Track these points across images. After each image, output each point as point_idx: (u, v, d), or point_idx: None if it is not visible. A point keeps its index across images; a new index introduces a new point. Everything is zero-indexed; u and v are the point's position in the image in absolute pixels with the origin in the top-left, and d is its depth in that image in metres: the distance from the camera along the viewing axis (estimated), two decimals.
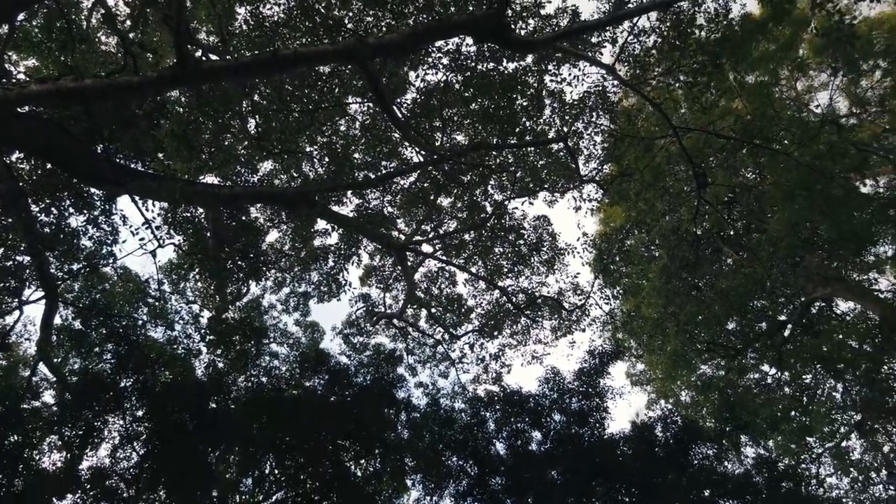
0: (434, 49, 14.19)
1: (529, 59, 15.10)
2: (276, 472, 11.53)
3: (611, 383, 17.28)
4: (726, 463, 13.99)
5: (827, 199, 17.42)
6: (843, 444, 20.08)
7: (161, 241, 12.52)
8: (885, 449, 19.05)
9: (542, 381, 14.78)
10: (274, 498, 11.41)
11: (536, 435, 14.92)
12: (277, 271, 17.92)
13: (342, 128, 16.16)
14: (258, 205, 16.31)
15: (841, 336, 19.20)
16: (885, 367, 18.21)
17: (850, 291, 18.61)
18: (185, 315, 14.21)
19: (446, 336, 19.82)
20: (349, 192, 16.28)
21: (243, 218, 14.92)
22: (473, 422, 14.19)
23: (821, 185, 17.07)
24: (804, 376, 20.49)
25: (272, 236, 20.23)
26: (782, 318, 21.59)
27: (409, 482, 12.62)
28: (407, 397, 13.74)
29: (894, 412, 17.66)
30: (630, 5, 14.54)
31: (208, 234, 14.42)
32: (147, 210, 12.89)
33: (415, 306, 19.74)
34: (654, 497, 11.86)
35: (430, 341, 20.08)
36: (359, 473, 11.95)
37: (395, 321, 19.01)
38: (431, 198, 17.14)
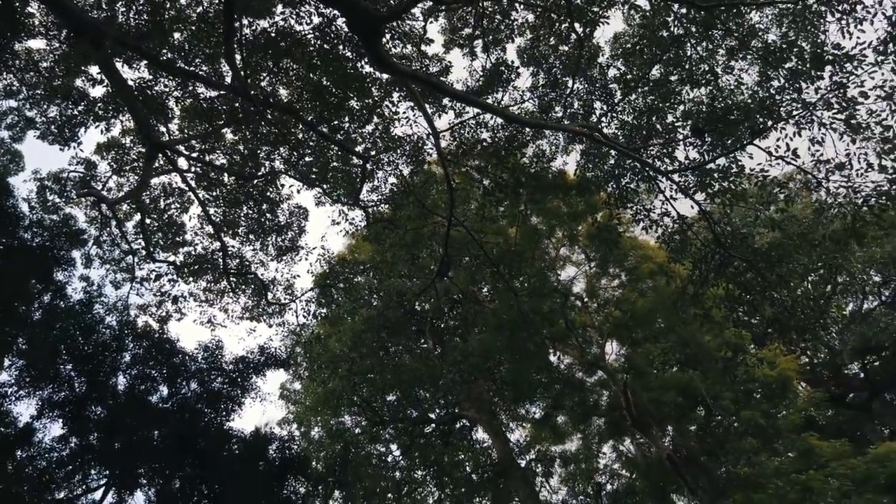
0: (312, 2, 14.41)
1: (385, 77, 15.98)
2: None
3: (261, 384, 18.03)
4: None
5: (521, 350, 20.48)
6: None
7: None
8: None
9: (202, 347, 15.03)
10: None
11: (164, 390, 15.04)
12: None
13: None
14: None
15: (461, 456, 22.19)
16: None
17: (489, 426, 21.71)
18: None
19: (143, 252, 19.12)
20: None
21: None
22: (112, 344, 13.93)
23: (524, 334, 20.05)
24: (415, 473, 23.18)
25: None
26: (432, 415, 24.34)
27: (7, 361, 11.93)
28: (64, 282, 13.10)
29: None
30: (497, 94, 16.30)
31: None
32: None
33: (133, 205, 18.83)
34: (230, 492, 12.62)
35: (125, 247, 19.19)
36: None
37: (103, 206, 17.92)
38: (218, 124, 16.85)
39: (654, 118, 13.71)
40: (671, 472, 20.54)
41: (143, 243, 19.05)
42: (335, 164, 17.50)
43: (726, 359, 19.16)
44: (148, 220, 19.10)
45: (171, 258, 19.74)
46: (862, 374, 28.87)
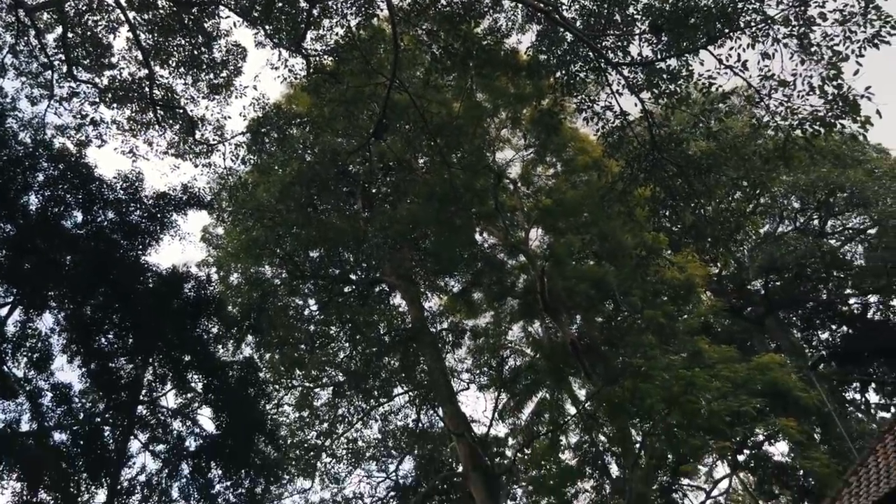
0: None
1: None
2: None
3: (182, 223, 17.84)
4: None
5: (448, 223, 20.81)
6: None
7: None
8: None
9: (121, 177, 14.62)
10: None
11: (78, 217, 14.68)
12: None
13: None
14: None
15: (376, 318, 22.94)
16: None
17: (407, 293, 22.37)
18: None
19: (63, 69, 17.95)
20: None
21: None
22: (25, 161, 13.37)
23: (453, 208, 20.34)
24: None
25: None
26: (353, 276, 24.83)
27: None
28: None
29: None
30: None
31: None
32: None
33: (55, 15, 17.45)
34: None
35: (44, 60, 17.94)
36: None
37: (20, 11, 16.51)
38: None
39: (614, 7, 13.43)
40: (572, 357, 21.86)
41: (63, 58, 17.85)
42: (280, 3, 16.54)
43: (641, 257, 20.01)
44: (70, 35, 17.81)
45: (94, 80, 18.65)
46: (762, 291, 30.88)
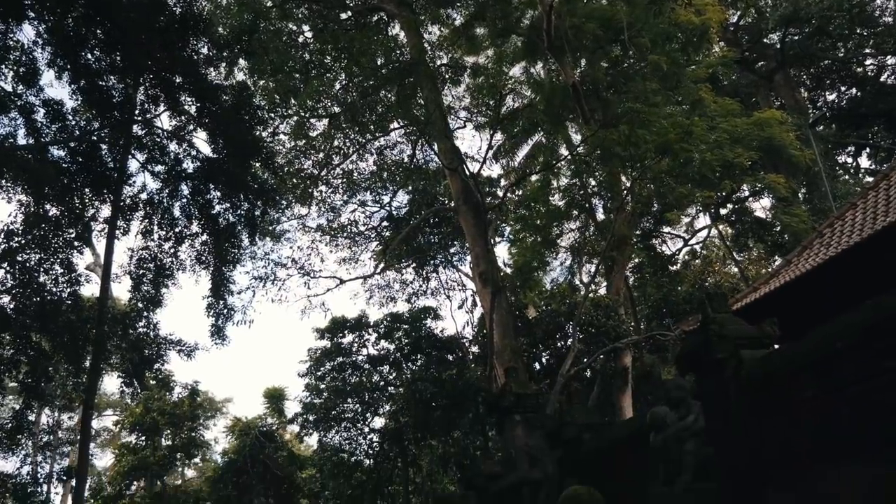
0: None
1: None
2: None
3: None
4: None
5: None
6: None
7: None
8: None
9: None
10: None
11: None
12: None
13: None
14: None
15: (373, 48, 21.96)
16: None
17: (407, 23, 21.14)
18: None
19: None
20: None
21: None
22: None
23: None
24: None
25: None
26: (349, 2, 23.24)
27: None
28: None
29: None
30: None
31: None
32: None
33: None
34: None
35: None
36: None
37: None
38: None
39: None
40: (572, 101, 21.45)
41: None
42: None
43: None
44: None
45: None
46: (778, 45, 29.54)
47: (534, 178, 25.15)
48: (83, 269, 19.49)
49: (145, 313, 18.82)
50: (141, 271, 18.56)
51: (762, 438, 5.41)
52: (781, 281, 11.62)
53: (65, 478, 25.90)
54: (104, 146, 17.95)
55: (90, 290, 19.92)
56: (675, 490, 5.26)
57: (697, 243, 30.24)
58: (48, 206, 16.95)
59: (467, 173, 20.15)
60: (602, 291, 23.98)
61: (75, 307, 17.31)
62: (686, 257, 29.79)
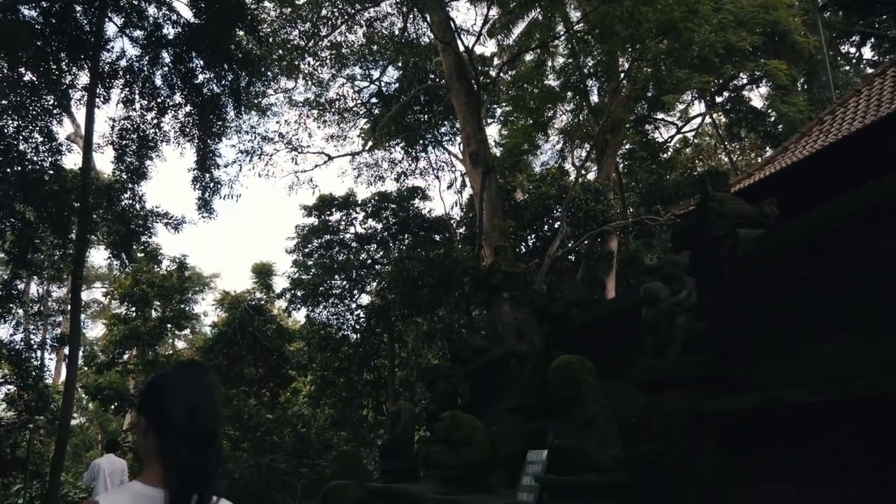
0: None
1: None
2: None
3: None
4: None
5: None
6: None
7: None
8: None
9: None
10: None
11: None
12: None
13: None
14: None
15: None
16: None
17: None
18: None
19: None
20: None
21: None
22: None
23: None
24: None
25: None
26: None
27: None
28: None
29: None
30: None
31: None
32: None
33: None
34: None
35: None
36: None
37: None
38: None
39: None
40: None
41: None
42: None
43: None
44: None
45: None
46: None
47: (528, 57, 24.33)
48: (64, 140, 19.04)
49: (130, 185, 18.56)
50: (124, 142, 18.14)
51: (753, 315, 5.46)
52: (781, 165, 11.52)
53: (57, 345, 26.37)
54: (78, 6, 17.03)
55: (72, 160, 19.57)
56: (664, 362, 5.34)
57: (690, 131, 29.94)
58: (23, 71, 16.29)
59: (461, 48, 19.40)
60: (592, 176, 23.85)
61: (58, 177, 17.01)
62: (678, 145, 29.55)
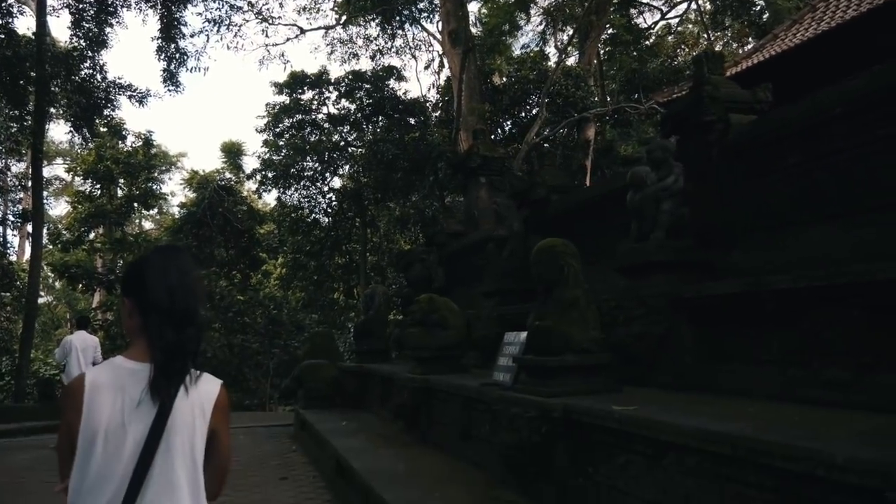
0: None
1: None
2: None
3: None
4: None
5: None
6: None
7: None
8: None
9: None
10: None
11: None
12: None
13: None
14: None
15: None
16: None
17: None
18: None
19: None
20: None
21: None
22: None
23: None
24: None
25: None
26: None
27: None
28: None
29: None
30: None
31: None
32: None
33: None
34: None
35: None
36: None
37: None
38: None
39: None
40: None
41: None
42: None
43: None
44: None
45: None
46: None
47: None
48: (14, 0, 17.72)
49: (89, 53, 17.53)
50: (81, 5, 16.96)
51: (740, 202, 5.38)
52: (771, 53, 11.19)
53: (20, 222, 25.77)
54: None
55: (25, 24, 18.28)
56: (647, 247, 5.29)
57: (675, 17, 29.03)
58: None
59: None
60: (572, 62, 23.16)
61: (10, 42, 15.95)
62: (661, 32, 28.72)
